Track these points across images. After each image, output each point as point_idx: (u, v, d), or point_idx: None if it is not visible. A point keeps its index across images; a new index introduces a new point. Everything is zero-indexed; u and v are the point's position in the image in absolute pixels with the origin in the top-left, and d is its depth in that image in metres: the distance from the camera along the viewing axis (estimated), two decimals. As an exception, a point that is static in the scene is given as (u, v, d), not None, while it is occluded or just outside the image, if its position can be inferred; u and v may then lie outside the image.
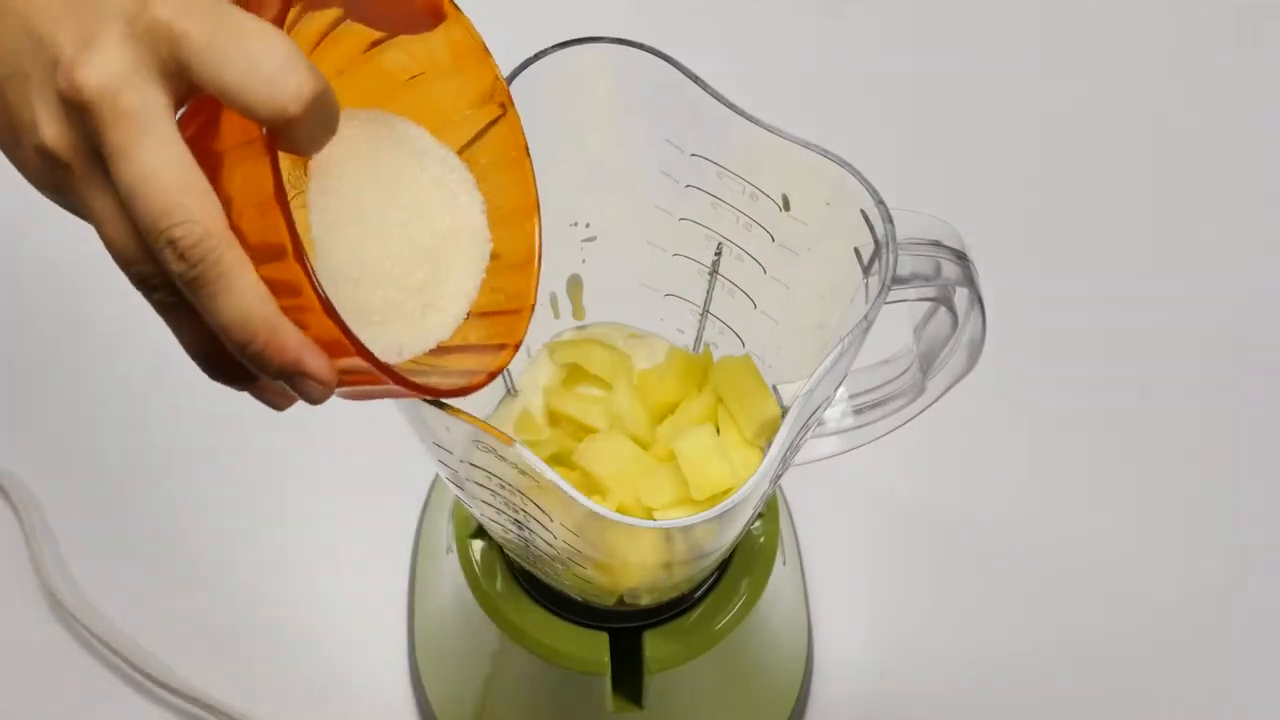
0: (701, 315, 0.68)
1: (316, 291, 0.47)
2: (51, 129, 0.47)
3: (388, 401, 0.56)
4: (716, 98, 0.59)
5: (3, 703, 0.79)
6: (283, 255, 0.46)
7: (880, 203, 0.57)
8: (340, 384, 0.49)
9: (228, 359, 0.50)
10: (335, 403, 0.52)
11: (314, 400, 0.49)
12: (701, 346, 0.69)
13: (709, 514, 0.54)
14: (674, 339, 0.70)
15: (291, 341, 0.47)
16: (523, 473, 0.55)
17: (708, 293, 0.67)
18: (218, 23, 0.46)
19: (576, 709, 0.70)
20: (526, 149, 0.57)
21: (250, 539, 0.83)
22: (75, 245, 0.90)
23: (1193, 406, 0.89)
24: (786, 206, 0.61)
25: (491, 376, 0.55)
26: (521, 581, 0.69)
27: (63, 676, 0.79)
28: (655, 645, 0.68)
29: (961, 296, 0.61)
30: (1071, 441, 0.88)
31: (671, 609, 0.68)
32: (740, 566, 0.70)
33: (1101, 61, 1.04)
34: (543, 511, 0.57)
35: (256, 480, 0.85)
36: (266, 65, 0.45)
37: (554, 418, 0.67)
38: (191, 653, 0.79)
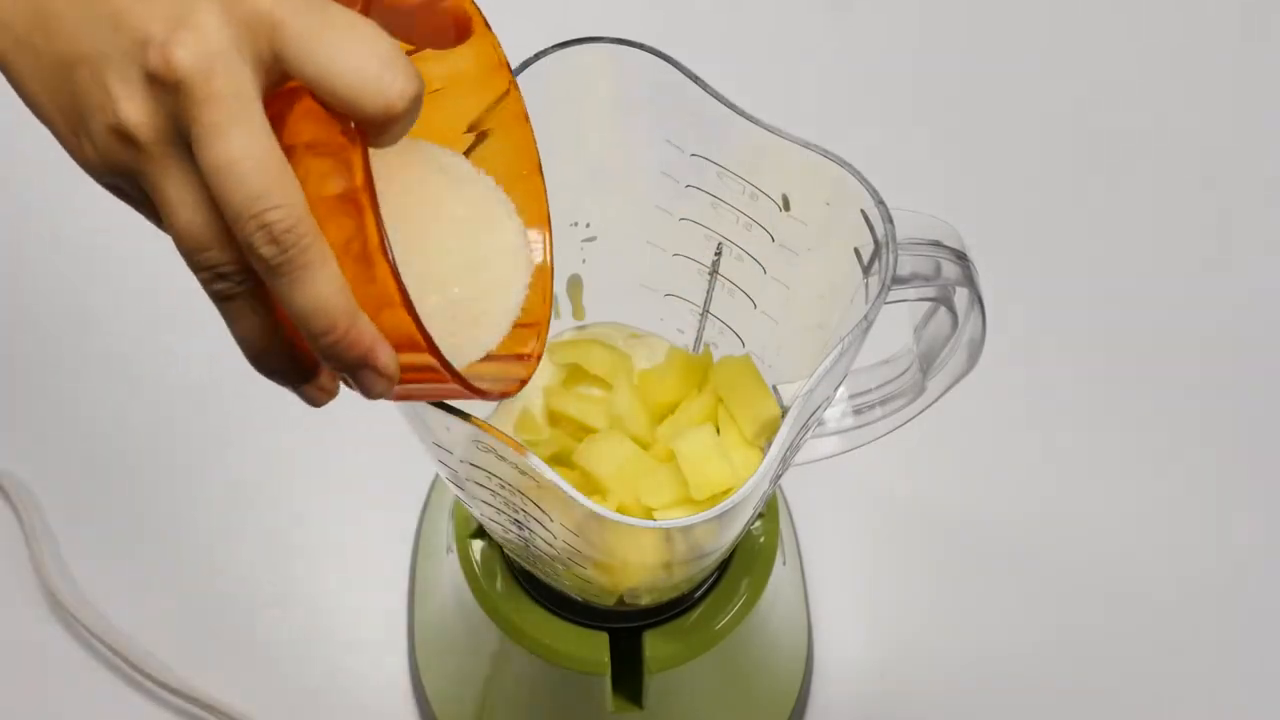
0: (701, 315, 0.68)
1: (399, 285, 0.46)
2: (133, 108, 0.46)
3: (388, 403, 0.56)
4: (716, 98, 0.59)
5: (3, 703, 0.79)
6: (360, 250, 0.46)
7: (880, 203, 0.57)
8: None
9: (282, 353, 0.49)
10: (335, 403, 0.52)
11: (375, 395, 0.49)
12: (701, 346, 0.69)
13: (709, 514, 0.54)
14: (674, 339, 0.69)
15: (368, 334, 0.47)
16: (523, 473, 0.55)
17: (708, 293, 0.67)
18: (316, 15, 0.45)
19: (576, 709, 0.70)
20: (540, 166, 0.57)
21: (250, 539, 0.83)
22: (76, 246, 0.91)
23: (1193, 406, 0.89)
24: (786, 206, 0.61)
25: (523, 383, 0.55)
26: (521, 581, 0.69)
27: (63, 676, 0.79)
28: (655, 645, 0.67)
29: (961, 296, 0.61)
30: (1071, 441, 0.88)
31: (671, 609, 0.68)
32: (740, 566, 0.70)
33: (1101, 61, 1.04)
34: (543, 511, 0.57)
35: (256, 480, 0.85)
36: (373, 61, 0.45)
37: (554, 418, 0.67)
38: (191, 653, 0.79)
